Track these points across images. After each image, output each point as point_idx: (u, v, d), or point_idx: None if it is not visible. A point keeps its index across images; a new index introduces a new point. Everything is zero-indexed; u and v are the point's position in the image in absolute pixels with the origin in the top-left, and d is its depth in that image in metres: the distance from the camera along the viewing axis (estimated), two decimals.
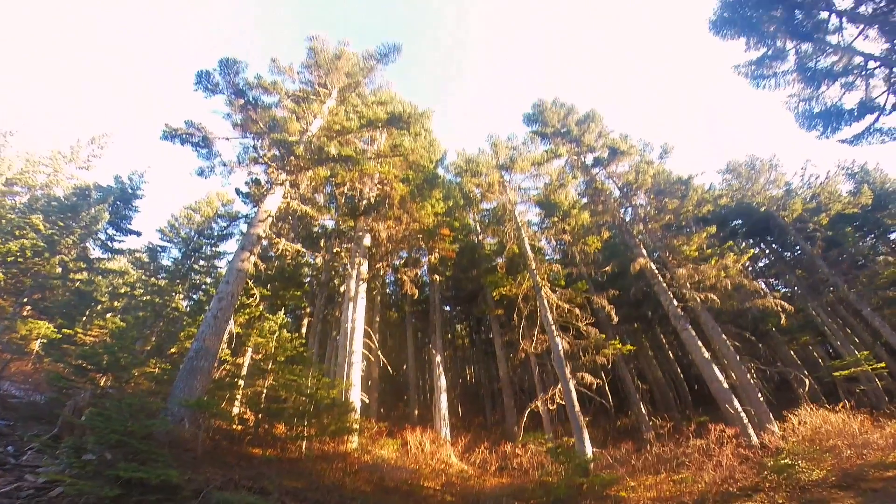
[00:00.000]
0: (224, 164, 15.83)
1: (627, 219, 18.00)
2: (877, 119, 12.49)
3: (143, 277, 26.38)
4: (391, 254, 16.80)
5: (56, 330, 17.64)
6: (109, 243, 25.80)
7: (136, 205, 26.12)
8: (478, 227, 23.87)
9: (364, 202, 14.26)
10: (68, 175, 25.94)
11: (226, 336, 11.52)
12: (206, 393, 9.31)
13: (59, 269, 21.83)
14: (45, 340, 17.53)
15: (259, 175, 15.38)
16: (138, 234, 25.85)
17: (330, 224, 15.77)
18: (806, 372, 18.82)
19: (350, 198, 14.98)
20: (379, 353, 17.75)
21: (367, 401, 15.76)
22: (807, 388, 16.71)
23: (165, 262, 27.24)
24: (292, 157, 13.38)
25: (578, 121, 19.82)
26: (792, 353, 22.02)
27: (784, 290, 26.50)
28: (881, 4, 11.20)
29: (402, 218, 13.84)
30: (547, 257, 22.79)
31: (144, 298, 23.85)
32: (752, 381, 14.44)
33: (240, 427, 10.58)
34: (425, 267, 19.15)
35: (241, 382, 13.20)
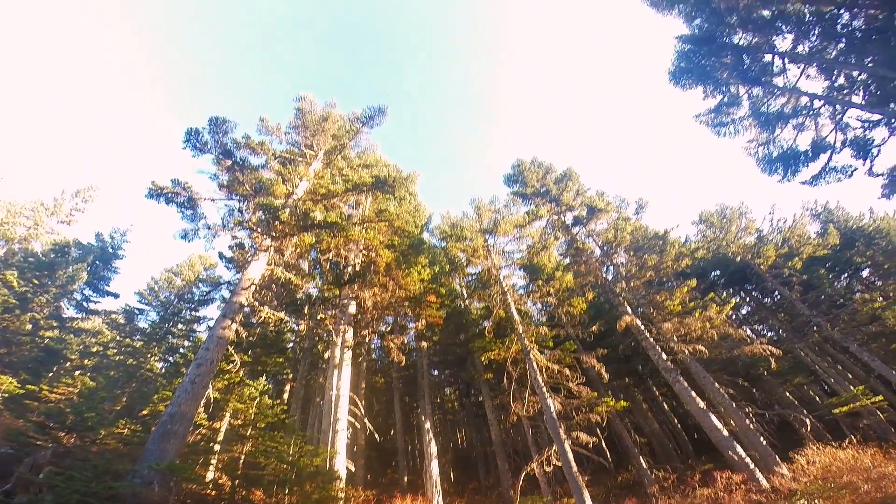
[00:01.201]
0: (208, 228, 15.67)
1: (610, 278, 18.37)
2: (830, 158, 13.29)
3: (118, 338, 25.26)
4: (377, 321, 16.54)
5: (20, 385, 16.66)
6: (85, 304, 24.90)
7: (116, 265, 25.52)
8: (464, 292, 23.88)
9: (349, 269, 14.20)
10: (49, 229, 25.36)
11: (203, 401, 11.08)
12: (179, 457, 8.92)
13: (29, 326, 21.30)
14: (7, 395, 16.48)
15: (244, 239, 15.30)
16: (116, 296, 25.05)
17: (314, 291, 15.65)
18: (805, 412, 18.77)
19: (335, 264, 14.93)
20: (365, 419, 17.02)
21: (353, 468, 15.01)
22: (809, 428, 16.70)
23: (142, 324, 26.23)
24: (277, 223, 13.40)
25: (556, 179, 20.65)
26: (788, 394, 21.99)
27: (770, 334, 26.80)
28: (816, 42, 12.13)
29: (388, 285, 13.78)
30: (534, 319, 22.72)
31: (117, 358, 22.82)
32: (751, 425, 14.31)
33: (214, 492, 10.10)
34: (412, 333, 18.82)
35: (217, 447, 12.74)
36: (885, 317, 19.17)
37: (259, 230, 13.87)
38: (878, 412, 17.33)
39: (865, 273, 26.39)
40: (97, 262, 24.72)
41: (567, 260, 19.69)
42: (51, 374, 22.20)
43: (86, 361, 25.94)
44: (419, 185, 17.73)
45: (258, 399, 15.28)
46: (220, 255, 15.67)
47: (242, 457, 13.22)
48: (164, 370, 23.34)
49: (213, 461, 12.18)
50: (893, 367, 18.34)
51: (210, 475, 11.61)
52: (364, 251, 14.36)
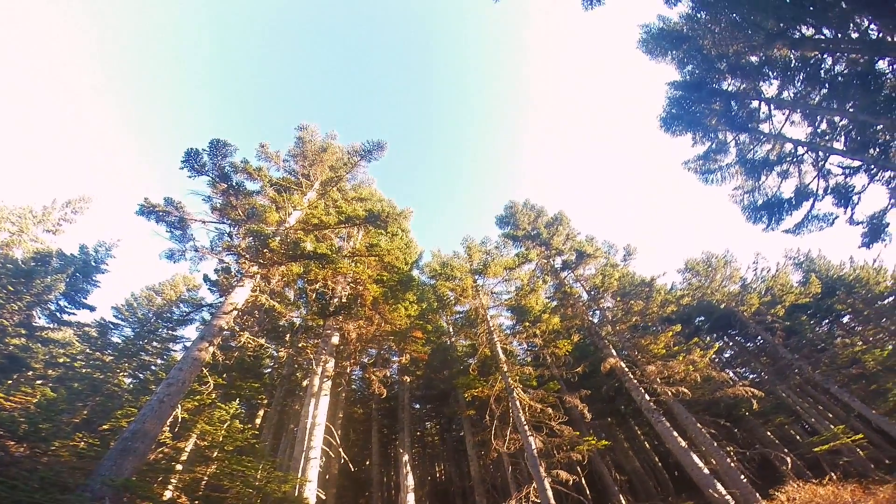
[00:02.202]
0: (196, 250, 15.36)
1: (596, 321, 18.53)
2: (812, 206, 13.50)
3: (88, 351, 24.40)
4: (360, 352, 16.27)
5: None
6: (59, 314, 24.13)
7: (97, 279, 24.81)
8: (451, 329, 23.68)
9: (336, 300, 14.02)
10: (32, 237, 24.73)
11: (169, 420, 10.73)
12: (136, 474, 8.49)
13: None
14: None
15: (231, 264, 15.06)
16: (92, 308, 24.29)
17: (298, 319, 15.42)
18: (786, 450, 18.94)
19: (321, 294, 14.77)
20: (340, 449, 16.55)
21: (324, 497, 14.50)
22: (790, 466, 16.79)
23: (115, 339, 25.38)
24: (266, 251, 13.26)
25: (548, 223, 21.00)
26: (769, 433, 22.14)
27: (752, 376, 27.03)
28: (800, 88, 12.36)
29: (374, 319, 13.64)
30: (519, 359, 22.61)
31: (84, 371, 22.03)
32: (732, 464, 14.29)
33: None
34: (395, 366, 18.55)
35: (180, 467, 12.08)
36: (865, 360, 19.94)
37: (247, 256, 13.68)
38: (858, 450, 17.71)
39: (846, 319, 27.04)
40: (77, 274, 24.06)
41: (554, 303, 19.81)
42: (10, 382, 21.45)
43: (50, 371, 24.96)
44: (411, 222, 17.87)
45: (228, 422, 14.78)
46: (205, 278, 15.39)
47: (205, 478, 12.74)
48: (132, 386, 22.56)
49: (174, 481, 11.59)
50: (873, 406, 18.88)
51: (168, 494, 11.11)
52: (352, 284, 14.24)
